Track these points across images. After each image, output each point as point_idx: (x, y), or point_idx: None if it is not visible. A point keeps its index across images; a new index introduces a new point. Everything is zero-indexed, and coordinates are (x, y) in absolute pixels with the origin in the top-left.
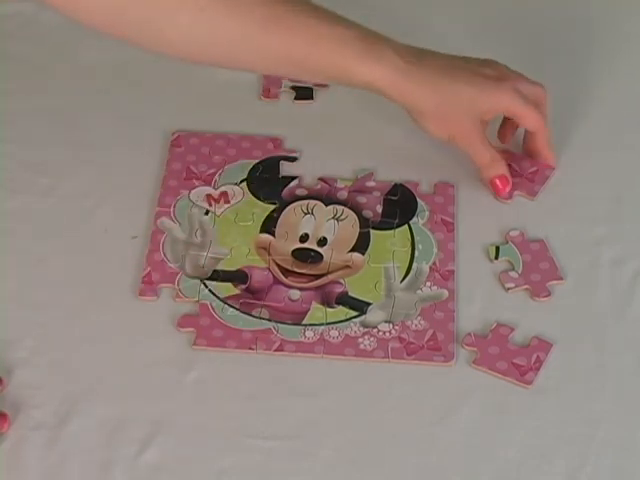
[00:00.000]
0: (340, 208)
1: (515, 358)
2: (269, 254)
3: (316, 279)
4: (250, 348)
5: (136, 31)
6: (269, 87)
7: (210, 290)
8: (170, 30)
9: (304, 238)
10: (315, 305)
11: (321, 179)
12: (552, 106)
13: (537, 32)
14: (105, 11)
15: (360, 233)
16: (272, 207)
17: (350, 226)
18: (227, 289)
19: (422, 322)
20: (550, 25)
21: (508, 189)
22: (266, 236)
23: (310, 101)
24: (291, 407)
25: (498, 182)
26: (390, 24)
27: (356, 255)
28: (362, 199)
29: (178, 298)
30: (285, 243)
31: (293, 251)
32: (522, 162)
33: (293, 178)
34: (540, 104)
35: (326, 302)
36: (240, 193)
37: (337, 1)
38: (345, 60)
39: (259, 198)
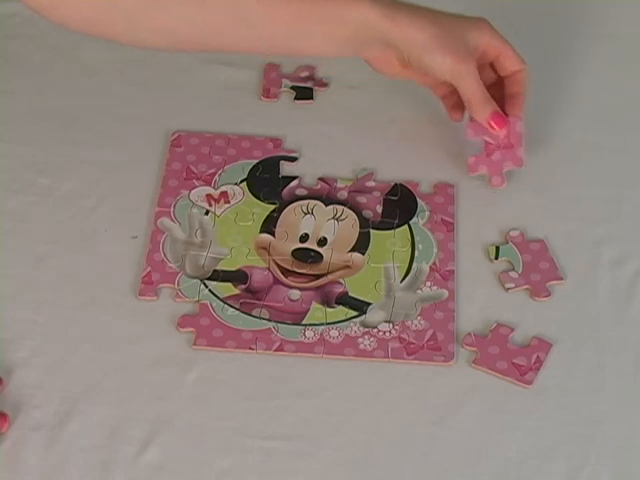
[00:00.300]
0: (340, 208)
1: (515, 358)
2: (269, 254)
3: (316, 279)
4: (250, 348)
5: (126, 24)
6: (269, 87)
7: (210, 290)
8: (162, 16)
9: (304, 238)
10: (315, 305)
11: (321, 179)
12: (553, 106)
13: (539, 29)
14: (94, 5)
15: (360, 233)
16: (272, 207)
17: (350, 226)
18: (227, 289)
19: (422, 322)
20: (552, 24)
21: (505, 129)
22: (266, 236)
23: (310, 101)
24: (291, 407)
25: (494, 122)
26: None
27: (356, 255)
28: (362, 199)
29: (178, 298)
30: (285, 243)
31: (293, 251)
32: None
33: (293, 178)
34: None
35: (326, 302)
36: (240, 193)
37: None
38: (337, 5)
39: (259, 198)
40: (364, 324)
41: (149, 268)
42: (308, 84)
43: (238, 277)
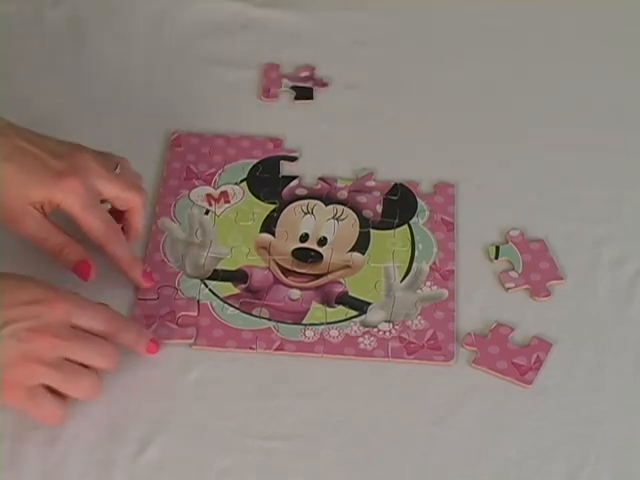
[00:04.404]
0: (340, 208)
1: (515, 358)
2: (269, 254)
3: (316, 279)
4: (250, 348)
5: None
6: (269, 87)
7: (210, 290)
8: None
9: (304, 238)
10: (315, 305)
11: (321, 179)
12: (553, 107)
13: (539, 30)
14: None
15: (360, 233)
16: (272, 207)
17: (350, 226)
18: (227, 289)
19: (422, 322)
20: (552, 25)
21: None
22: (266, 236)
23: (310, 101)
24: (291, 407)
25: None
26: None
27: (356, 255)
28: (362, 199)
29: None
30: (285, 243)
31: (293, 251)
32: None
33: (293, 178)
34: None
35: (326, 302)
36: (240, 193)
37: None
38: None
39: (259, 198)
40: (364, 324)
41: (149, 268)
42: (308, 84)
43: (238, 277)
